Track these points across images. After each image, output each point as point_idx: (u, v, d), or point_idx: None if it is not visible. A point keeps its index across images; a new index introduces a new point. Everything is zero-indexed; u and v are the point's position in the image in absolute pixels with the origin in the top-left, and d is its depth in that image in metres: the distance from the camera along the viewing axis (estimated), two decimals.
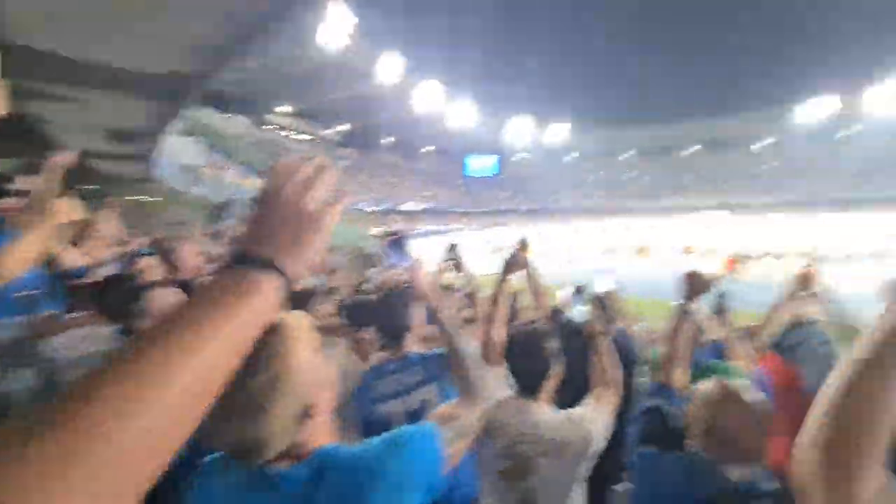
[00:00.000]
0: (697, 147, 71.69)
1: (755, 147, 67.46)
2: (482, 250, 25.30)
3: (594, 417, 1.29)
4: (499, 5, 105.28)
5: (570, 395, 1.44)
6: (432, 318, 1.25)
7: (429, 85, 50.14)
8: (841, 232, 27.12)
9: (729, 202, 57.30)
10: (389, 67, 43.44)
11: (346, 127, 51.56)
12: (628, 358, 2.09)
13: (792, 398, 1.61)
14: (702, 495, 0.99)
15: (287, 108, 45.89)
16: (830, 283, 2.04)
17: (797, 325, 2.03)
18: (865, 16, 79.73)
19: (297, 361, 0.62)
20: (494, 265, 1.92)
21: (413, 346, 1.65)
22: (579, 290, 3.96)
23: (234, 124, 39.43)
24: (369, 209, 42.31)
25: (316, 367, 0.68)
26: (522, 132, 70.20)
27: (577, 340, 1.69)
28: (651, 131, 73.20)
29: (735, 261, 17.18)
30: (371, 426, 1.44)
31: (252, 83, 37.36)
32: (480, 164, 71.19)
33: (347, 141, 53.96)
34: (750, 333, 2.25)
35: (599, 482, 1.44)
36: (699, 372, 1.55)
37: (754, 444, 1.02)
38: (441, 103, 53.56)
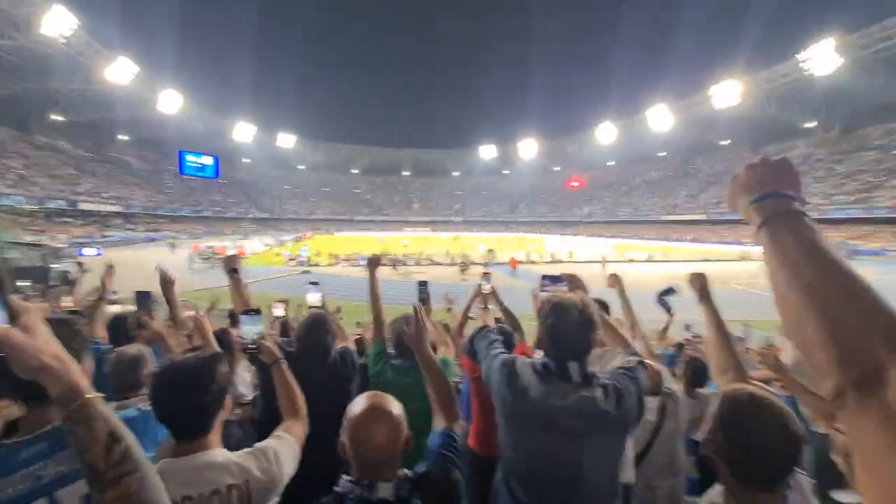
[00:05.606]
0: (408, 172, 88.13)
1: (453, 175, 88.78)
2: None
3: (279, 448, 1.13)
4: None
5: (266, 431, 1.24)
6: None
7: (122, 62, 41.06)
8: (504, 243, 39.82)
9: (436, 220, 74.42)
10: (57, 21, 32.59)
11: None
12: (344, 379, 1.92)
13: (479, 387, 2.05)
14: None
15: None
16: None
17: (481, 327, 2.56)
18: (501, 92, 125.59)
19: None
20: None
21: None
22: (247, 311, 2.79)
23: None
24: (29, 207, 31.41)
25: None
26: (247, 137, 66.70)
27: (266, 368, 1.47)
28: (371, 154, 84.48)
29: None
30: None
31: None
32: (198, 163, 61.28)
33: None
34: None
35: None
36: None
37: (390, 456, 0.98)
38: (140, 84, 44.46)
